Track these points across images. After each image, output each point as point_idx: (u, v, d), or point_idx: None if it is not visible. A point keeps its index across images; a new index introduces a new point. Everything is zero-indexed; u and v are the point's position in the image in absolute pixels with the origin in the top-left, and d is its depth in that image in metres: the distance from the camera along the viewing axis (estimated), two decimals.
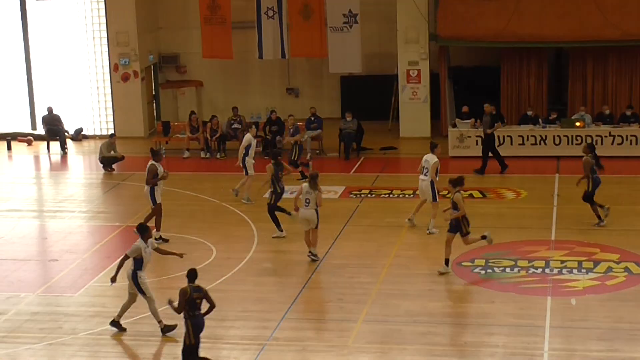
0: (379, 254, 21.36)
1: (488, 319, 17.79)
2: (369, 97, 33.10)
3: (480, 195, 25.48)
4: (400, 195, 25.64)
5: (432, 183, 22.53)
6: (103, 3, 33.08)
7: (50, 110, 32.43)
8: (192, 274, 15.88)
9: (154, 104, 34.74)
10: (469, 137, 29.07)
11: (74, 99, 33.73)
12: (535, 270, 19.94)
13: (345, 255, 21.39)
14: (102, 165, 29.16)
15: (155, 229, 21.99)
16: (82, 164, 30.78)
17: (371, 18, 32.39)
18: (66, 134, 32.43)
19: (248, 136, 25.65)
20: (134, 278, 17.59)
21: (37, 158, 31.60)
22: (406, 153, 29.97)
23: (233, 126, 30.81)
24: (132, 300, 17.87)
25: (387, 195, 25.83)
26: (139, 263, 17.50)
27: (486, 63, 32.47)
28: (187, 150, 30.63)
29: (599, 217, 22.64)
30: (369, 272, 20.30)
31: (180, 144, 30.91)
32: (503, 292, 18.91)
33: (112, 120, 33.66)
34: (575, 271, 19.84)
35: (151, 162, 22.28)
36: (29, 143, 32.98)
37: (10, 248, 22.43)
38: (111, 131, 32.30)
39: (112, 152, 29.18)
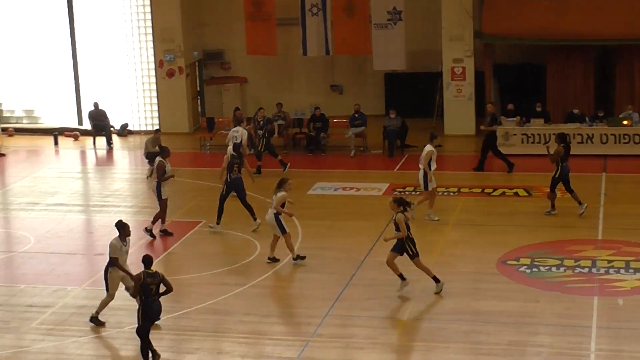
0: (423, 252, 21.14)
1: (533, 318, 17.65)
2: (413, 95, 32.99)
3: (526, 194, 25.31)
4: (444, 193, 25.51)
5: (425, 173, 22.85)
6: (149, 0, 33.24)
7: (96, 105, 32.64)
8: (147, 260, 16.24)
9: (199, 100, 34.85)
10: (514, 135, 28.85)
11: (119, 95, 33.93)
12: (582, 270, 19.76)
13: (388, 252, 21.28)
14: (147, 160, 29.24)
15: (152, 223, 22.53)
16: (128, 159, 30.95)
17: (416, 15, 32.25)
18: (112, 129, 32.62)
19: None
20: (105, 272, 17.71)
21: (83, 153, 31.81)
22: (450, 151, 29.83)
23: (277, 122, 30.81)
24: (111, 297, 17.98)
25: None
26: (113, 260, 17.64)
27: (532, 60, 32.23)
28: None
29: (579, 203, 23.22)
30: (413, 269, 20.19)
31: (224, 140, 30.92)
32: (549, 292, 18.76)
33: (157, 116, 33.82)
34: (622, 271, 19.64)
35: (159, 159, 22.54)
36: (76, 138, 33.22)
37: (57, 242, 22.60)
38: (156, 127, 32.40)
39: (157, 147, 29.23)
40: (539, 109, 29.45)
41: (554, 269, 19.91)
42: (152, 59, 33.58)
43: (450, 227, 22.90)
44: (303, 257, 20.65)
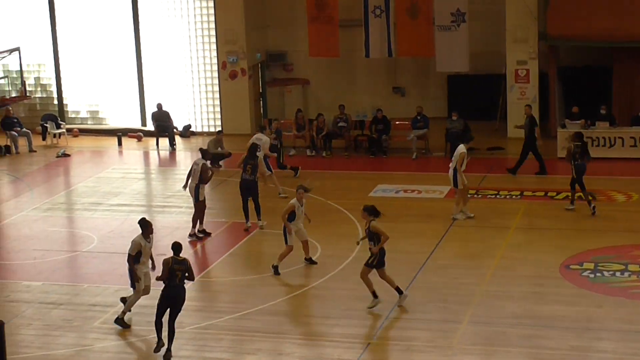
0: (484, 255, 21.16)
1: (596, 323, 17.47)
2: (476, 97, 32.81)
3: (590, 198, 25.03)
4: (507, 196, 25.35)
5: (455, 171, 23.21)
6: (212, 1, 33.45)
7: (159, 106, 32.92)
8: (176, 247, 16.91)
9: (261, 102, 34.99)
10: None
11: (182, 96, 34.19)
12: None
13: (450, 255, 21.25)
14: (209, 161, 29.47)
15: (193, 227, 22.91)
16: (190, 160, 31.10)
17: (479, 17, 32.08)
18: (175, 130, 32.89)
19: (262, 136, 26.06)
20: (130, 268, 18.05)
21: (146, 154, 32.10)
22: (514, 153, 29.54)
23: (339, 124, 30.85)
24: (145, 292, 18.34)
25: (493, 196, 25.56)
26: (137, 257, 17.95)
27: (597, 63, 31.87)
28: (293, 148, 30.79)
29: (589, 203, 23.67)
30: (474, 273, 20.13)
31: (287, 142, 31.05)
32: (612, 297, 18.55)
33: (219, 117, 34.01)
34: None
35: (203, 161, 22.89)
36: (139, 139, 33.54)
37: (120, 242, 22.80)
38: (219, 128, 32.66)
39: (219, 148, 29.48)
40: (603, 112, 29.13)
41: (618, 274, 19.67)
42: (215, 60, 33.79)
43: (512, 231, 22.74)
44: (277, 271, 20.44)
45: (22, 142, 32.18)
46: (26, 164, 30.71)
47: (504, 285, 19.39)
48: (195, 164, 23.04)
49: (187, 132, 33.73)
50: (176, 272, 16.77)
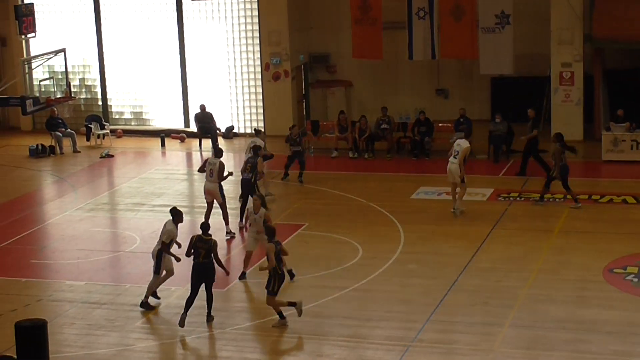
0: (527, 259, 21.06)
1: (639, 327, 17.32)
2: (520, 99, 32.56)
3: (634, 201, 24.87)
4: (551, 199, 25.21)
5: (461, 166, 23.85)
6: (256, 3, 33.57)
7: (202, 108, 33.09)
8: (204, 226, 18.47)
9: (304, 103, 35.06)
10: (624, 141, 28.37)
11: (225, 97, 34.34)
12: None
13: (492, 258, 21.17)
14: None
15: (226, 224, 23.40)
16: (233, 162, 31.25)
17: (523, 18, 31.90)
18: (217, 131, 33.04)
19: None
20: (159, 255, 18.90)
21: (189, 155, 32.27)
22: None
23: (382, 126, 30.83)
24: (168, 276, 19.18)
25: (536, 199, 25.41)
26: (169, 245, 18.94)
27: None
28: (335, 150, 30.82)
29: (575, 199, 24.43)
30: (517, 276, 20.04)
31: (329, 143, 31.12)
32: None
33: (262, 118, 34.12)
34: None
35: (220, 160, 23.34)
36: (182, 140, 33.72)
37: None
38: (261, 130, 32.72)
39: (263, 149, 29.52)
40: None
41: None
42: (258, 62, 33.90)
43: (555, 234, 22.62)
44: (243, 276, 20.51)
45: (66, 143, 32.48)
46: (70, 165, 30.99)
47: (546, 288, 19.29)
48: (210, 163, 23.37)
49: (229, 134, 33.87)
50: (199, 249, 18.07)
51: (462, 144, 24.10)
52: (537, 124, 27.70)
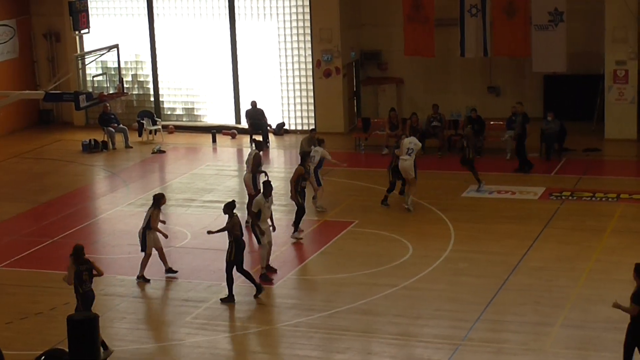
0: (579, 258, 20.88)
1: None
2: (573, 97, 32.36)
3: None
4: (603, 199, 24.96)
5: (415, 163, 24.45)
6: (308, 0, 33.57)
7: (254, 104, 33.18)
8: (228, 205, 19.37)
9: (355, 100, 35.02)
10: None
11: (276, 94, 34.40)
12: None
13: (543, 257, 21.01)
14: (301, 159, 29.62)
15: None
16: (283, 158, 31.33)
17: (577, 16, 31.60)
18: (268, 128, 33.10)
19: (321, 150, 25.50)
20: (254, 228, 20.27)
21: (240, 151, 32.36)
22: (611, 155, 29.18)
23: (433, 124, 30.71)
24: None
25: (589, 198, 25.18)
26: (258, 215, 20.04)
27: None
28: (386, 147, 30.72)
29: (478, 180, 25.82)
30: (568, 275, 19.87)
31: (380, 141, 31.04)
32: None
33: (313, 115, 34.14)
34: None
35: (256, 151, 23.81)
36: (233, 136, 33.83)
37: (212, 238, 22.95)
38: (312, 126, 32.71)
39: (313, 146, 29.54)
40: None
41: None
42: (309, 59, 33.91)
43: (607, 234, 22.39)
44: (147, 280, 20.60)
45: (118, 138, 32.74)
46: (122, 160, 31.23)
47: (598, 288, 19.11)
48: (249, 154, 23.94)
49: (280, 130, 33.92)
50: (242, 227, 19.26)
51: (415, 141, 24.68)
52: (527, 119, 28.52)
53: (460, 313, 18.22)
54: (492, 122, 30.86)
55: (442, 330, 17.56)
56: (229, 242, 19.16)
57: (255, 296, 19.29)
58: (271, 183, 20.70)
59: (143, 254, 20.62)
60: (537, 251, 21.43)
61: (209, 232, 20.19)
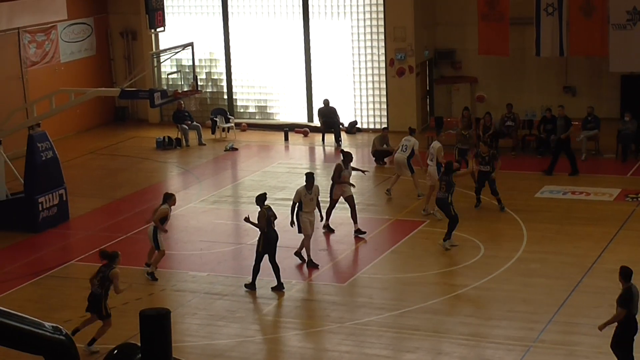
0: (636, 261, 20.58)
1: None
2: None
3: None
4: None
5: (408, 159, 25.05)
6: None
7: (326, 102, 33.24)
8: (259, 197, 19.96)
9: (428, 99, 34.90)
10: None
11: (349, 93, 34.42)
12: None
13: (619, 260, 20.62)
14: (374, 158, 29.64)
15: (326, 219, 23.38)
16: (355, 157, 31.25)
17: None
18: (341, 126, 33.14)
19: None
20: (297, 217, 20.91)
21: (311, 149, 32.45)
22: None
23: (506, 124, 30.49)
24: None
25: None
26: (300, 205, 20.90)
27: None
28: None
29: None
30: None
31: (452, 140, 30.83)
32: None
33: (385, 114, 34.10)
34: None
35: (339, 163, 23.67)
36: (305, 134, 33.92)
37: (283, 235, 23.02)
38: (384, 125, 32.72)
39: (385, 145, 29.56)
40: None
41: None
42: (382, 57, 33.88)
43: None
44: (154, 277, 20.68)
45: (192, 136, 33.04)
46: (195, 157, 31.52)
47: None
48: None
49: (352, 129, 33.94)
50: (271, 217, 19.64)
51: (434, 144, 24.80)
52: (570, 124, 28.38)
53: (532, 314, 18.07)
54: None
55: (514, 332, 17.44)
56: (259, 234, 19.77)
57: (273, 289, 19.78)
58: (313, 175, 21.38)
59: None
60: (611, 253, 21.17)
61: (246, 220, 20.32)
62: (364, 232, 22.99)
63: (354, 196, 23.49)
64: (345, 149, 22.27)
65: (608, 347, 16.49)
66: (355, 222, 23.07)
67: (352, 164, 23.92)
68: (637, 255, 20.88)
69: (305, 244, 21.05)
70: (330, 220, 23.34)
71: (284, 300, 19.24)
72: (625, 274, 15.24)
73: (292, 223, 21.14)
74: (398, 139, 29.31)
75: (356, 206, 23.24)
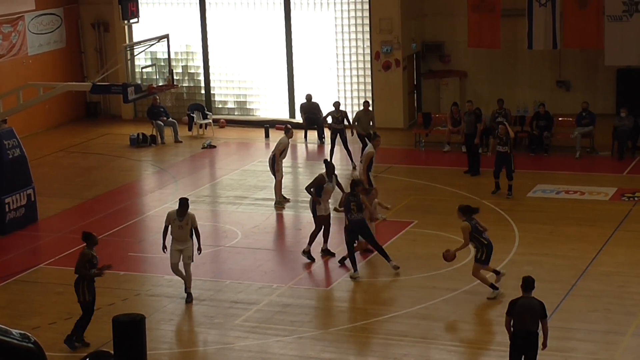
0: None
1: None
2: None
3: None
4: None
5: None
6: None
7: (309, 98, 33.21)
8: (354, 183, 20.69)
9: (415, 95, 34.94)
10: None
11: (333, 87, 34.40)
12: None
13: (615, 262, 20.80)
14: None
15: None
16: (339, 154, 31.33)
17: None
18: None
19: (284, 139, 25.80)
20: (313, 207, 21.49)
21: (294, 147, 32.36)
22: None
23: (497, 120, 30.51)
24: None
25: None
26: (318, 192, 21.42)
27: None
28: (447, 144, 30.62)
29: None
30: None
31: (441, 137, 30.94)
32: None
33: (371, 109, 34.04)
34: None
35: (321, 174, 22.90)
36: (290, 136, 33.77)
37: (264, 237, 23.16)
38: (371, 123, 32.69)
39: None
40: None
41: None
42: (367, 50, 33.90)
43: None
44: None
45: (168, 132, 32.98)
46: (171, 155, 31.46)
47: None
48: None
49: (375, 136, 33.70)
50: (350, 204, 20.25)
51: (366, 150, 23.74)
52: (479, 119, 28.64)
53: None
54: (560, 118, 30.67)
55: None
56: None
57: (340, 261, 21.22)
58: (332, 164, 22.20)
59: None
60: (607, 255, 21.23)
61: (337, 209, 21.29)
62: (333, 254, 21.86)
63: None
64: (327, 159, 21.57)
65: (604, 354, 16.58)
66: (325, 241, 22.01)
67: (377, 200, 21.96)
68: (633, 257, 20.98)
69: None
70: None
71: (264, 306, 19.20)
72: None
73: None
74: (384, 136, 29.38)
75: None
